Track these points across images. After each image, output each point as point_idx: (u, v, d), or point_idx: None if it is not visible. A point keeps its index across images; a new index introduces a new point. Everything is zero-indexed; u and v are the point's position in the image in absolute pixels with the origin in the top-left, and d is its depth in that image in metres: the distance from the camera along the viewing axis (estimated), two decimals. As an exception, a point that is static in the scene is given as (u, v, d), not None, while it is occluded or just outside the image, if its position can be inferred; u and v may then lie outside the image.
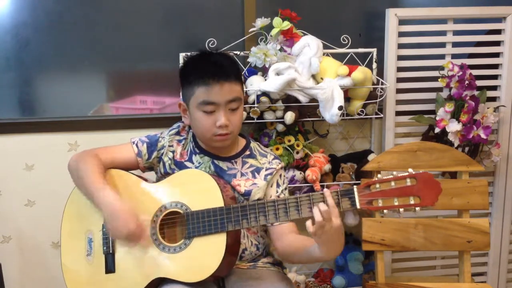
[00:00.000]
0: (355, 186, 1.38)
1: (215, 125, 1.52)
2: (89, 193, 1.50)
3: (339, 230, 1.35)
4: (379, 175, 1.39)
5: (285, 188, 1.68)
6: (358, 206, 1.38)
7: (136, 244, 1.47)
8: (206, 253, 1.45)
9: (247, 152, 1.66)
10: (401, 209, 1.36)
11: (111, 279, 1.51)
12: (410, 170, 1.37)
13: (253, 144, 1.69)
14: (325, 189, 1.40)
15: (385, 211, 1.36)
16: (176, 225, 1.53)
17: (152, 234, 1.50)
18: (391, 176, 1.37)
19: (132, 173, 1.61)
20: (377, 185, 1.37)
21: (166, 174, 1.63)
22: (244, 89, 2.10)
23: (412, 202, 1.35)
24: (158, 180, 1.66)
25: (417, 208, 1.36)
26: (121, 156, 1.62)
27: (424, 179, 1.35)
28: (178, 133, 1.66)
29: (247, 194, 1.60)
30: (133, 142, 1.64)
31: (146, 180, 1.61)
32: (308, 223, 1.34)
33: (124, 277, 1.50)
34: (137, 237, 1.45)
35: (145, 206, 1.52)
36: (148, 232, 1.50)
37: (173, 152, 1.64)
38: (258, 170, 1.63)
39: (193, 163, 1.62)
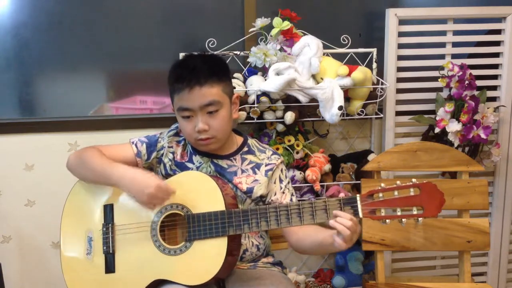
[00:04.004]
0: (358, 195, 1.38)
1: (195, 130, 1.53)
2: (99, 176, 1.51)
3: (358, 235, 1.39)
4: (382, 184, 1.37)
5: (288, 182, 1.67)
6: (360, 215, 1.38)
7: (165, 199, 1.45)
8: (207, 256, 1.45)
9: (245, 149, 1.66)
10: (404, 219, 1.36)
11: (111, 279, 1.50)
12: (414, 180, 1.37)
13: (251, 141, 1.69)
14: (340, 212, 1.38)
15: (387, 220, 1.36)
16: (176, 227, 1.53)
17: (152, 235, 1.50)
18: (395, 186, 1.36)
19: None
20: (380, 194, 1.36)
21: (167, 175, 1.62)
22: (243, 89, 2.11)
23: (415, 212, 1.36)
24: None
25: (420, 219, 1.36)
26: (120, 156, 1.61)
27: (427, 189, 1.35)
28: (177, 134, 1.66)
29: (249, 191, 1.60)
30: (133, 143, 1.64)
31: None
32: (338, 240, 1.36)
33: (124, 277, 1.49)
34: (164, 191, 1.43)
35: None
36: (149, 233, 1.50)
37: (173, 153, 1.63)
38: (258, 166, 1.63)
39: (194, 164, 1.62)
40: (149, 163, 1.64)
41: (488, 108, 2.29)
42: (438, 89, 2.35)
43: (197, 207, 1.48)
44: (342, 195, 2.20)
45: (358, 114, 2.23)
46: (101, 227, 1.54)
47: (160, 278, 1.47)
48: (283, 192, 1.65)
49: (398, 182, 1.37)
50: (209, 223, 1.45)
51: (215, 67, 1.54)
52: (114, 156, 1.60)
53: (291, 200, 1.65)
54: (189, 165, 1.62)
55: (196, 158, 1.62)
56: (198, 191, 1.50)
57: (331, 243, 1.40)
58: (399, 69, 2.35)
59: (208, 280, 1.43)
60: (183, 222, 1.49)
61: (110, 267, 1.51)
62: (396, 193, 1.36)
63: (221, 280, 1.56)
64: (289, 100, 2.14)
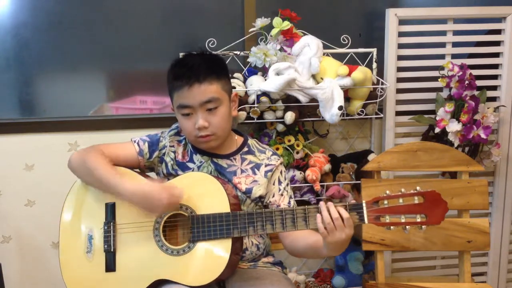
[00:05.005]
0: (364, 201, 1.40)
1: (195, 127, 1.53)
2: (105, 184, 1.48)
3: (349, 239, 1.39)
4: (387, 191, 1.39)
5: (287, 184, 1.68)
6: (366, 221, 1.40)
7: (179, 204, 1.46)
8: (210, 258, 1.45)
9: (245, 149, 1.66)
10: (408, 226, 1.38)
11: (111, 278, 1.50)
12: (418, 188, 1.39)
13: (251, 141, 1.69)
14: (328, 203, 1.40)
15: (392, 227, 1.38)
16: (178, 227, 1.53)
17: (155, 235, 1.49)
18: (399, 193, 1.39)
19: (136, 171, 1.61)
20: (385, 201, 1.39)
21: (168, 175, 1.62)
22: (243, 89, 2.11)
23: (418, 220, 1.38)
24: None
25: (423, 226, 1.38)
26: (123, 154, 1.61)
27: (431, 197, 1.38)
28: (178, 134, 1.66)
29: (248, 192, 1.60)
30: (134, 141, 1.64)
31: (151, 180, 1.60)
32: (320, 225, 1.37)
33: (125, 276, 1.49)
34: (179, 196, 1.44)
35: None
36: (151, 233, 1.50)
37: (174, 152, 1.63)
38: (257, 166, 1.64)
39: (194, 163, 1.62)
40: (150, 162, 1.64)
41: (488, 108, 2.29)
42: (438, 89, 2.35)
43: (201, 208, 1.48)
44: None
45: (358, 114, 2.23)
46: (102, 225, 1.53)
47: (162, 278, 1.46)
48: (282, 194, 1.65)
49: (402, 189, 1.39)
50: (214, 225, 1.45)
51: (214, 65, 1.55)
52: (116, 155, 1.59)
53: (289, 202, 1.65)
54: (190, 164, 1.62)
55: (197, 157, 1.62)
56: (203, 192, 1.50)
57: (322, 245, 1.42)
58: (399, 69, 2.35)
59: (211, 281, 1.43)
60: (186, 223, 1.49)
61: (110, 266, 1.50)
62: (400, 200, 1.39)
63: (222, 280, 1.56)
64: (289, 100, 2.14)
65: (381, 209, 1.39)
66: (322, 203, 1.40)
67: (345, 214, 1.37)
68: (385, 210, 1.39)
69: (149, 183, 1.47)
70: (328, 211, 1.38)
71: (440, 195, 1.38)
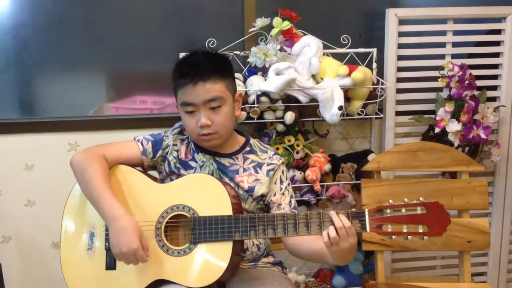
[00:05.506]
0: (366, 210, 1.39)
1: (198, 125, 1.53)
2: (94, 202, 1.49)
3: (354, 248, 1.39)
4: (390, 201, 1.39)
5: (288, 184, 1.68)
6: (368, 230, 1.39)
7: (135, 264, 1.44)
8: (211, 260, 1.45)
9: (247, 148, 1.66)
10: (409, 236, 1.37)
11: (111, 276, 1.50)
12: (421, 198, 1.38)
13: (253, 141, 1.70)
14: (330, 212, 1.39)
15: (393, 236, 1.38)
16: (179, 228, 1.53)
17: (156, 235, 1.49)
18: (402, 203, 1.38)
19: (140, 171, 1.61)
20: (388, 210, 1.38)
21: (171, 173, 1.62)
22: (243, 89, 2.11)
23: (420, 230, 1.37)
24: (162, 179, 1.66)
25: (425, 237, 1.37)
26: (126, 154, 1.61)
27: (434, 209, 1.37)
28: (180, 132, 1.66)
29: (251, 190, 1.60)
30: (138, 140, 1.64)
31: (154, 179, 1.60)
32: (325, 235, 1.36)
33: (125, 275, 1.49)
34: (138, 257, 1.43)
35: (151, 206, 1.52)
36: (153, 233, 1.50)
37: (177, 151, 1.64)
38: (259, 165, 1.64)
39: (196, 162, 1.62)
40: (154, 161, 1.64)
41: (488, 108, 2.29)
42: (438, 89, 2.35)
43: (203, 210, 1.48)
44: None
45: (358, 114, 2.23)
46: (104, 223, 1.53)
47: (162, 278, 1.46)
48: (283, 194, 1.65)
49: (405, 199, 1.39)
50: (215, 227, 1.45)
51: (219, 64, 1.56)
52: (119, 155, 1.59)
53: (290, 202, 1.65)
54: (192, 163, 1.62)
55: (199, 156, 1.63)
56: (205, 194, 1.50)
57: (328, 253, 1.41)
58: (399, 69, 2.35)
59: (211, 283, 1.43)
60: (187, 224, 1.49)
61: (110, 264, 1.50)
62: (403, 210, 1.38)
63: (222, 282, 1.56)
64: (289, 100, 2.14)
65: (383, 218, 1.38)
66: (333, 212, 1.39)
67: (347, 223, 1.36)
68: (387, 219, 1.37)
69: (134, 225, 1.44)
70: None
71: (443, 206, 1.37)
